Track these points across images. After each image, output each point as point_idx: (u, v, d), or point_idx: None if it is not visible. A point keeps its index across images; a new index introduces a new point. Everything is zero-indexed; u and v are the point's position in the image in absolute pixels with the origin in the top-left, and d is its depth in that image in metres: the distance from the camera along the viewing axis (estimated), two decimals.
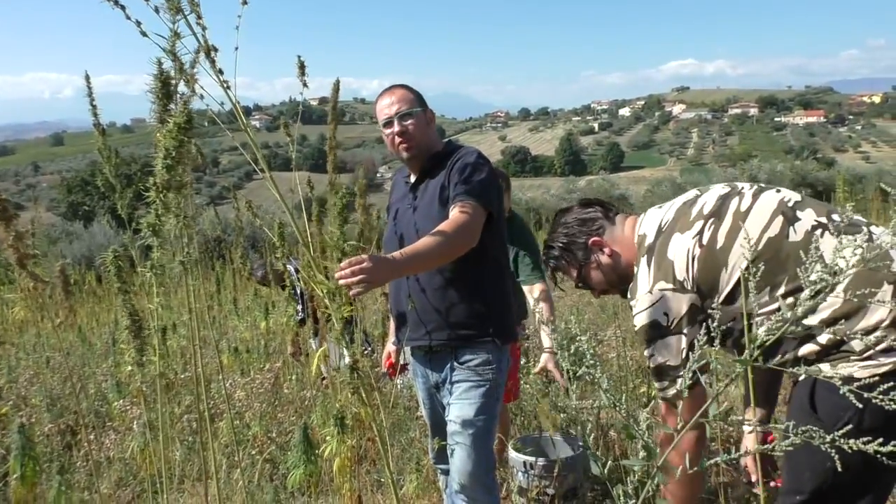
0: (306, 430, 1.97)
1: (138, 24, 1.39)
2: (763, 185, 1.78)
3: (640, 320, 1.72)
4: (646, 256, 1.76)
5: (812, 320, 1.45)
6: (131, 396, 4.02)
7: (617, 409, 1.11)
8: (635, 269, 1.80)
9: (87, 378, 4.87)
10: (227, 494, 2.84)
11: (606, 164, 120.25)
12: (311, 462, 1.93)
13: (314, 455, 1.94)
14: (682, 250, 1.68)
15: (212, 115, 1.47)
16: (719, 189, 1.78)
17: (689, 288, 1.66)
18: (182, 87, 1.45)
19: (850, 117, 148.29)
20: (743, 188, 1.75)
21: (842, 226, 1.07)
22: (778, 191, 1.72)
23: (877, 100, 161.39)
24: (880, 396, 0.88)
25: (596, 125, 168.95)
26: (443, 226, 2.03)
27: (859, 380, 0.94)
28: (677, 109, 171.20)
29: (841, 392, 0.88)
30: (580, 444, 3.07)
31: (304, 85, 2.00)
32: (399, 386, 4.10)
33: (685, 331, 1.67)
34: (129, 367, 1.69)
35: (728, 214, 1.68)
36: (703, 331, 1.40)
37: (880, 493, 1.57)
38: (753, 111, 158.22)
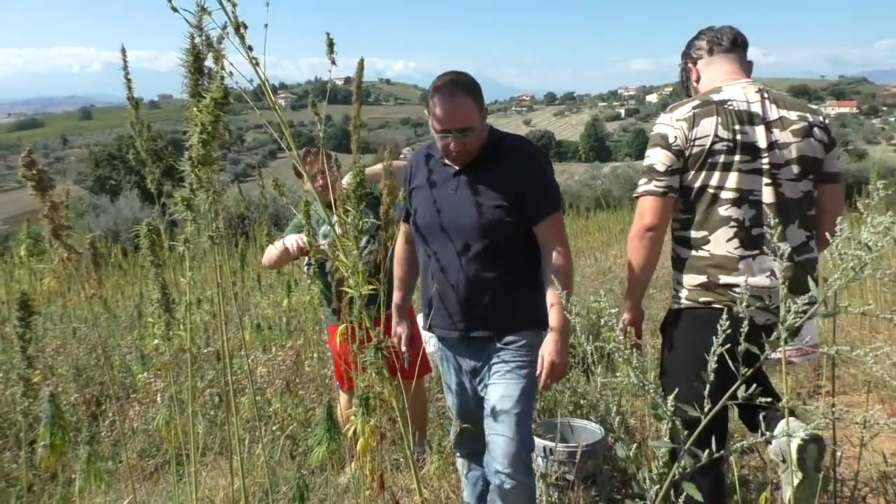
0: (330, 408, 1.98)
1: None
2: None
3: (659, 128, 2.14)
4: (699, 101, 2.11)
5: None
6: (155, 369, 4.07)
7: (646, 388, 1.10)
8: (690, 99, 2.19)
9: (112, 350, 4.94)
10: (249, 469, 2.88)
11: (632, 150, 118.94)
12: (333, 440, 1.94)
13: (337, 433, 1.95)
14: (708, 131, 2.05)
15: (240, 92, 1.46)
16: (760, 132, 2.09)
17: (687, 151, 2.08)
18: (209, 63, 1.45)
19: (884, 108, 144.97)
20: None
21: None
22: None
23: None
24: None
25: (622, 111, 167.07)
26: (558, 272, 2.13)
27: None
28: None
29: None
30: (600, 429, 3.06)
31: (333, 62, 1.99)
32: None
33: (675, 159, 2.08)
34: (156, 341, 1.70)
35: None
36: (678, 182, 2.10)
37: None
38: None
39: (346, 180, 2.64)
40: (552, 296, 2.15)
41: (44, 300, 6.57)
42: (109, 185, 34.87)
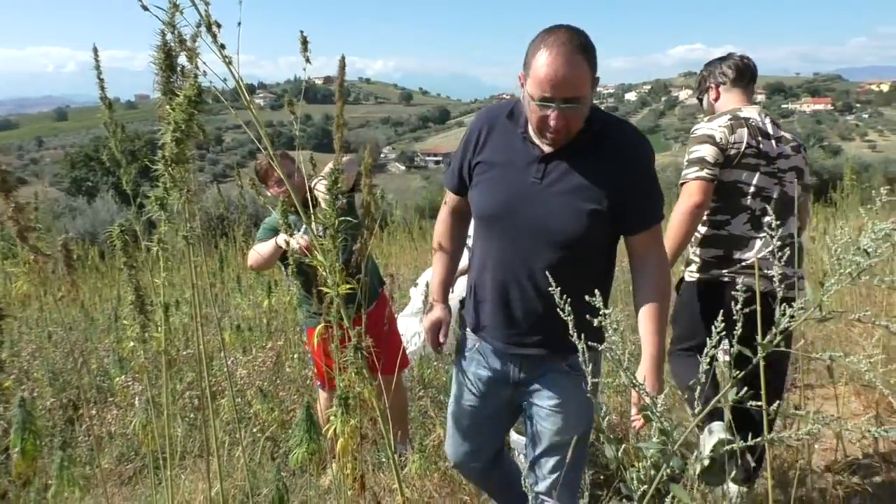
0: (309, 409, 1.97)
1: None
2: None
3: (705, 130, 2.59)
4: (731, 116, 2.60)
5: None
6: (133, 372, 4.02)
7: (636, 388, 1.11)
8: (717, 115, 2.67)
9: (89, 353, 4.88)
10: (228, 471, 2.85)
11: None
12: (313, 441, 1.92)
13: (317, 434, 1.94)
14: (742, 138, 2.55)
15: (215, 92, 1.44)
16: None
17: (726, 151, 2.54)
18: (183, 62, 1.42)
19: (858, 105, 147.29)
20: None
21: None
22: None
23: (885, 88, 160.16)
24: None
25: (602, 108, 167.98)
26: (659, 294, 1.86)
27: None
28: (684, 95, 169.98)
29: None
30: None
31: (307, 61, 1.97)
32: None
33: (721, 154, 2.54)
34: (132, 343, 1.68)
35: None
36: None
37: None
38: (761, 98, 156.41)
39: (322, 186, 2.60)
40: (649, 322, 1.85)
41: (19, 304, 6.46)
42: (86, 186, 34.44)
